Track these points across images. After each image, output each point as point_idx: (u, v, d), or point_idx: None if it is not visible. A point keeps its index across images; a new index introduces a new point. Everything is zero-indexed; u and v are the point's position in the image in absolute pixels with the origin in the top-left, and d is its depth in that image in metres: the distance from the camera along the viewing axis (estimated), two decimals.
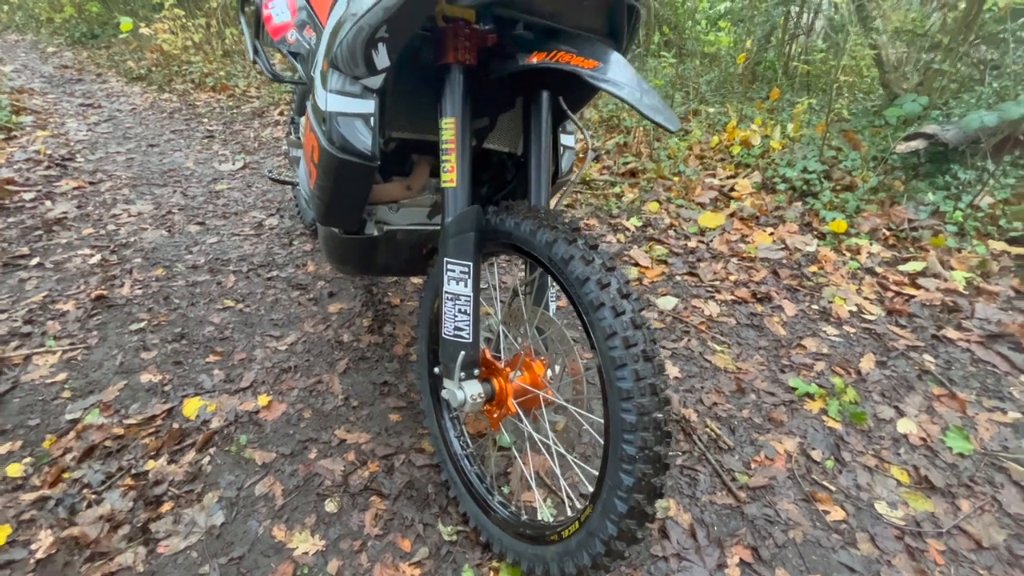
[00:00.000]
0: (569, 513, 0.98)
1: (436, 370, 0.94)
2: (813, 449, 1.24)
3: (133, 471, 1.16)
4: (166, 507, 1.08)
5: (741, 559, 1.00)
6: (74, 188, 2.56)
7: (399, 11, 0.71)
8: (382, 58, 0.79)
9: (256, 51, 1.74)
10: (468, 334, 0.86)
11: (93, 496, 1.10)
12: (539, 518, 0.99)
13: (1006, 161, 2.36)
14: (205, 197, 2.52)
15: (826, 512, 1.10)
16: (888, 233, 2.04)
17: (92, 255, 1.98)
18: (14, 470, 1.15)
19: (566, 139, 1.13)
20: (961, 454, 1.23)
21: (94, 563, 0.98)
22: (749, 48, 3.58)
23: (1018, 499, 1.13)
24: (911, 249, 1.96)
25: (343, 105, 0.85)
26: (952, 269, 1.84)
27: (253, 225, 2.24)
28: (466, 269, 0.85)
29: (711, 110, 3.16)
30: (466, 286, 0.85)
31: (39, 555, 0.99)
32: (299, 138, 1.85)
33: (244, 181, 2.73)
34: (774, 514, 1.09)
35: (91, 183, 2.65)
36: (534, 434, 0.93)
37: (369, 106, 0.85)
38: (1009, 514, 1.10)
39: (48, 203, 2.39)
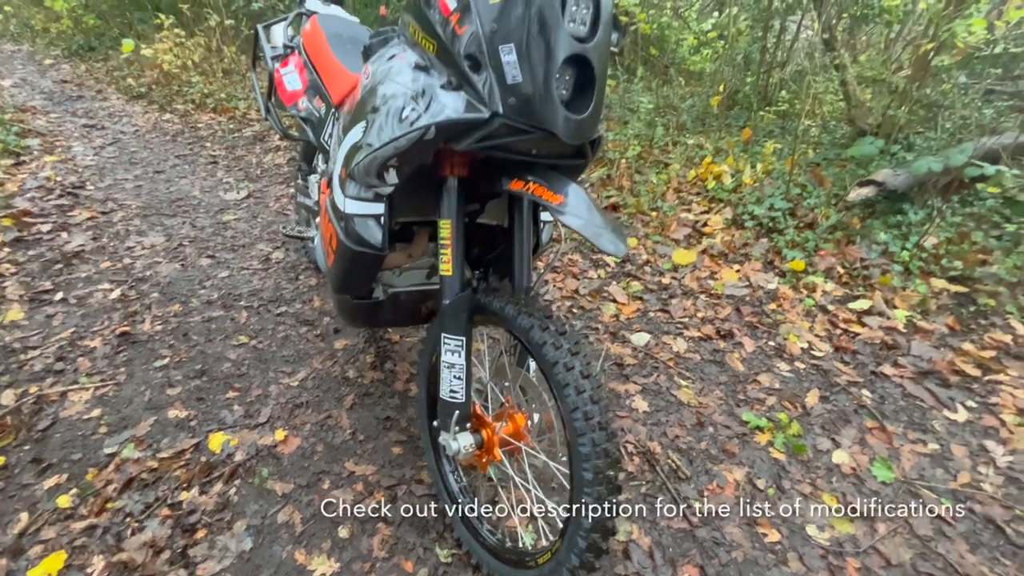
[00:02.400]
0: (544, 544, 1.17)
1: (434, 423, 1.12)
2: (759, 478, 1.44)
3: (169, 501, 1.33)
4: (201, 534, 1.25)
5: None
6: (88, 219, 2.71)
7: (407, 151, 0.90)
8: (391, 177, 0.97)
9: (268, 110, 1.91)
10: (461, 396, 1.05)
11: (136, 524, 1.27)
12: (520, 546, 1.18)
13: (954, 200, 2.58)
14: (213, 228, 2.68)
15: (764, 535, 1.30)
16: (842, 271, 2.25)
17: (112, 290, 2.14)
18: (63, 501, 1.32)
19: (545, 215, 1.31)
20: (884, 482, 1.43)
21: None
22: (727, 78, 3.79)
23: (926, 522, 1.33)
24: (861, 288, 2.17)
25: (358, 208, 1.03)
26: (895, 307, 2.06)
27: (261, 259, 2.41)
28: (460, 343, 1.03)
29: (690, 141, 3.36)
30: (460, 357, 1.04)
31: None
32: (306, 185, 2.02)
33: (249, 211, 2.89)
34: (721, 536, 1.29)
35: (103, 213, 2.79)
36: (515, 476, 1.12)
37: (380, 208, 1.04)
38: (918, 535, 1.30)
39: (64, 235, 2.54)
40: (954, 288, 2.14)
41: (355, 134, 1.02)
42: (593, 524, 0.88)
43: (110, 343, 1.84)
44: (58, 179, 3.11)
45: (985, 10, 3.06)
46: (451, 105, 0.85)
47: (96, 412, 1.57)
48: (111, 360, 1.77)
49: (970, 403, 1.68)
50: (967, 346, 1.88)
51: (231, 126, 4.20)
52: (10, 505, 1.31)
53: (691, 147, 3.28)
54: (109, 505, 1.31)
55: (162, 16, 4.94)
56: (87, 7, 6.67)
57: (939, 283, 2.16)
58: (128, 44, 4.49)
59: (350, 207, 1.03)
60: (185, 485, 1.37)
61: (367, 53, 1.14)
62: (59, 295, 2.09)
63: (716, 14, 5.19)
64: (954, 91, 2.79)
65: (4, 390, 1.62)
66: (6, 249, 2.35)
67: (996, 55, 3.93)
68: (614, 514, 0.88)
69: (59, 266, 2.28)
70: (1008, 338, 1.91)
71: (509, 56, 0.79)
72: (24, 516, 1.28)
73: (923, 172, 2.41)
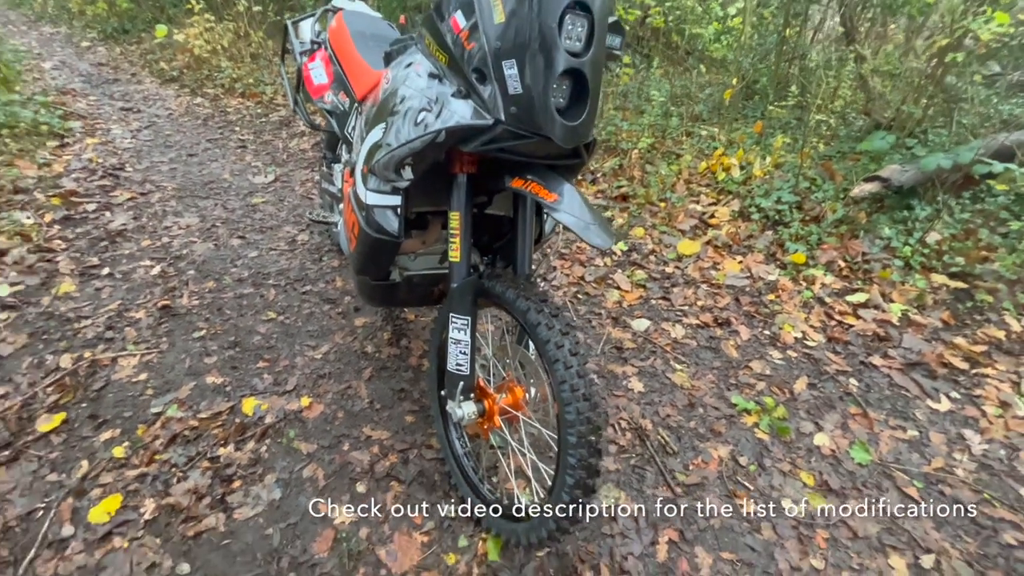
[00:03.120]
0: (536, 500, 1.31)
1: (442, 392, 1.26)
2: (741, 456, 1.55)
3: (208, 455, 1.50)
4: (236, 484, 1.42)
5: (670, 539, 1.33)
6: (128, 199, 2.90)
7: (421, 151, 1.02)
8: (407, 173, 1.09)
9: (296, 102, 2.05)
10: (466, 369, 1.18)
11: (180, 474, 1.45)
12: (516, 503, 1.32)
13: (965, 197, 2.60)
14: (243, 210, 2.85)
15: (742, 506, 1.41)
16: (843, 265, 2.31)
17: (153, 266, 2.32)
18: (118, 452, 1.50)
19: None
20: (860, 464, 1.53)
21: (188, 524, 1.32)
22: (744, 69, 3.79)
23: (896, 499, 1.43)
24: (860, 281, 2.23)
25: (378, 200, 1.16)
26: (892, 301, 2.12)
27: (287, 240, 2.57)
28: (466, 322, 1.16)
29: (704, 132, 3.40)
30: (465, 334, 1.16)
31: (146, 517, 1.34)
32: (330, 173, 2.16)
33: (276, 195, 3.05)
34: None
35: (142, 194, 2.98)
36: (513, 443, 1.25)
37: (397, 200, 1.16)
38: (887, 513, 1.41)
39: (108, 214, 2.73)
40: (954, 284, 2.19)
41: (376, 134, 1.14)
42: (576, 482, 1.00)
43: (153, 315, 2.02)
44: (100, 161, 3.31)
45: (1009, 2, 3.02)
46: (460, 112, 0.97)
47: (143, 376, 1.75)
48: (154, 330, 1.95)
49: (954, 394, 1.76)
50: (959, 340, 1.94)
51: (258, 111, 4.36)
52: (72, 454, 1.50)
53: (704, 138, 3.32)
54: (157, 457, 1.49)
55: (192, 1, 5.09)
56: None
57: (939, 279, 2.21)
58: (162, 29, 4.66)
59: (371, 199, 1.16)
60: (222, 442, 1.54)
61: (388, 59, 1.25)
62: (106, 270, 2.28)
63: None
64: (971, 87, 2.77)
65: (63, 355, 1.81)
66: (56, 227, 2.55)
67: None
68: (594, 474, 1.01)
69: (104, 243, 2.47)
70: (1001, 334, 1.97)
71: (511, 70, 0.90)
72: (85, 463, 1.47)
73: (932, 169, 2.43)
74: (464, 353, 1.17)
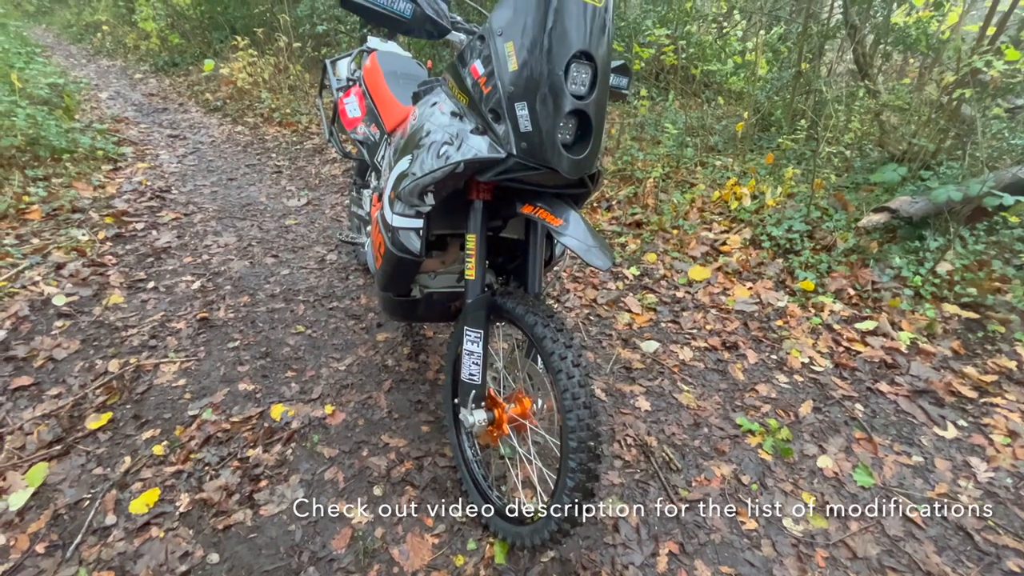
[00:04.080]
0: (540, 505, 1.38)
1: (456, 401, 1.35)
2: (744, 475, 1.59)
3: (239, 456, 1.62)
4: (263, 483, 1.53)
5: (670, 551, 1.38)
6: (173, 219, 3.12)
7: (442, 180, 1.14)
8: (430, 199, 1.22)
9: (331, 133, 2.23)
10: (478, 379, 1.27)
11: (213, 472, 1.56)
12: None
13: (979, 228, 2.62)
14: (277, 231, 3.04)
15: (743, 522, 1.45)
16: (853, 293, 2.35)
17: (193, 281, 2.50)
18: (158, 450, 1.63)
19: None
20: (863, 486, 1.56)
21: (218, 518, 1.43)
22: (760, 102, 3.90)
23: (898, 524, 1.45)
24: (869, 309, 2.27)
25: (403, 223, 1.28)
26: (901, 329, 2.15)
27: (317, 260, 2.73)
28: (479, 335, 1.26)
29: (718, 163, 3.50)
30: (478, 346, 1.27)
31: (181, 510, 1.45)
32: (359, 198, 2.32)
33: (308, 217, 3.24)
34: (702, 521, 1.46)
35: (185, 214, 3.21)
36: (520, 451, 1.34)
37: (420, 223, 1.28)
38: (888, 535, 1.43)
39: (154, 232, 2.95)
40: (965, 314, 2.21)
41: (403, 164, 1.27)
42: (576, 484, 1.08)
43: (192, 326, 2.18)
44: (148, 183, 3.57)
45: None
46: (477, 146, 1.09)
47: (182, 381, 1.89)
48: (193, 340, 2.10)
49: (961, 422, 1.77)
50: (968, 369, 1.95)
51: (294, 138, 4.64)
52: (117, 450, 1.63)
53: (718, 168, 3.41)
54: (192, 455, 1.61)
55: (238, 39, 5.48)
56: (172, 27, 7.43)
57: (950, 308, 2.23)
58: (209, 64, 5.03)
59: (396, 221, 1.28)
60: (252, 444, 1.65)
61: (416, 98, 1.40)
62: (151, 284, 2.47)
63: (762, 32, 5.27)
64: (983, 120, 2.82)
65: (111, 360, 1.97)
66: (108, 243, 2.77)
67: None
68: (594, 478, 1.09)
69: (151, 259, 2.67)
70: (1012, 364, 1.97)
71: (523, 111, 1.02)
72: (127, 459, 1.60)
73: (942, 200, 2.47)
74: (477, 364, 1.27)
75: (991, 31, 3.08)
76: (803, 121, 3.29)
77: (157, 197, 3.40)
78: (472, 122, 1.13)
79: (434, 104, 1.26)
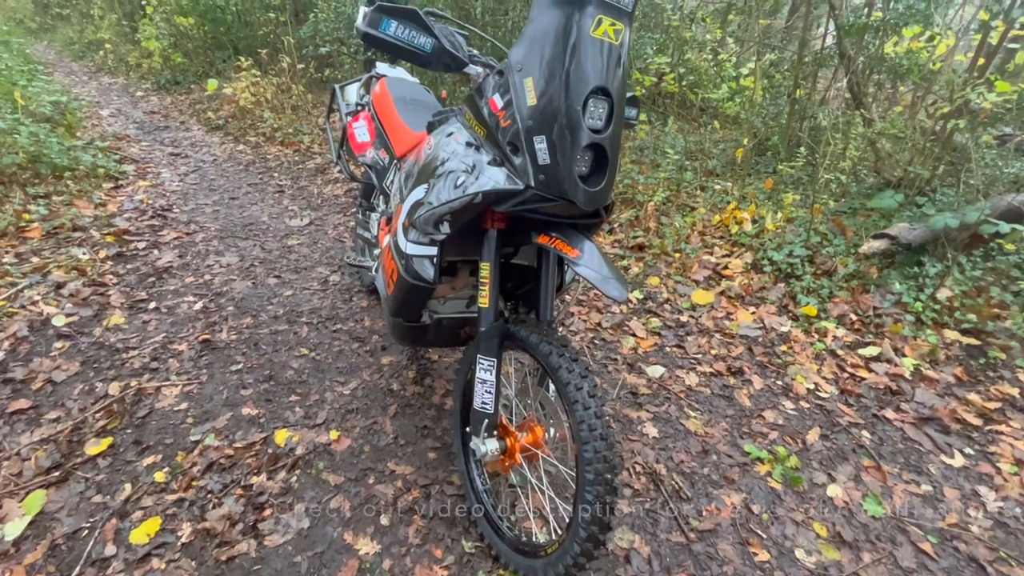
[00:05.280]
0: (553, 537, 1.36)
1: (467, 429, 1.34)
2: (754, 504, 1.58)
3: (242, 483, 1.59)
4: (267, 512, 1.50)
5: None
6: (175, 238, 3.11)
7: (459, 210, 1.15)
8: (445, 228, 1.23)
9: (339, 156, 2.24)
10: (491, 407, 1.27)
11: (216, 500, 1.53)
12: (535, 540, 1.37)
13: (976, 255, 2.66)
14: (280, 251, 3.03)
15: (755, 554, 1.44)
16: (855, 318, 2.36)
17: (196, 302, 2.48)
18: (159, 477, 1.60)
19: None
20: (874, 516, 1.55)
21: (221, 548, 1.40)
22: (757, 128, 3.97)
23: (911, 555, 1.44)
24: (871, 335, 2.28)
25: (417, 250, 1.29)
26: (904, 355, 2.16)
27: (320, 281, 2.73)
28: (492, 363, 1.26)
29: (717, 187, 3.55)
30: (491, 375, 1.26)
31: (183, 540, 1.42)
32: (366, 220, 2.33)
33: (311, 237, 3.24)
34: (714, 552, 1.44)
35: (187, 233, 3.20)
36: (532, 480, 1.32)
37: (434, 251, 1.29)
38: (901, 567, 1.42)
39: (156, 252, 2.94)
40: (966, 340, 2.23)
41: (418, 193, 1.28)
42: (592, 518, 1.07)
43: (194, 348, 2.16)
44: (150, 202, 3.57)
45: (1013, 69, 3.17)
46: (495, 178, 1.10)
47: (184, 405, 1.87)
48: (195, 362, 2.08)
49: (968, 450, 1.77)
50: (972, 396, 1.97)
51: (296, 158, 4.66)
52: (117, 477, 1.60)
53: (718, 192, 3.46)
54: (194, 483, 1.58)
55: (242, 59, 5.54)
56: (175, 46, 7.50)
57: (951, 334, 2.25)
58: (213, 83, 5.07)
59: (410, 249, 1.29)
60: (256, 471, 1.62)
61: (431, 127, 1.42)
62: (153, 304, 2.45)
63: (755, 58, 5.39)
64: (976, 148, 2.89)
65: (111, 383, 1.94)
66: (109, 263, 2.76)
67: None
68: (610, 511, 1.07)
69: (152, 279, 2.65)
70: (1015, 391, 1.99)
71: (541, 144, 1.04)
72: (128, 487, 1.56)
73: (940, 227, 2.51)
74: (489, 392, 1.26)
75: (981, 62, 3.18)
76: (802, 148, 3.35)
77: (158, 216, 3.39)
78: (489, 153, 1.14)
79: (450, 134, 1.27)
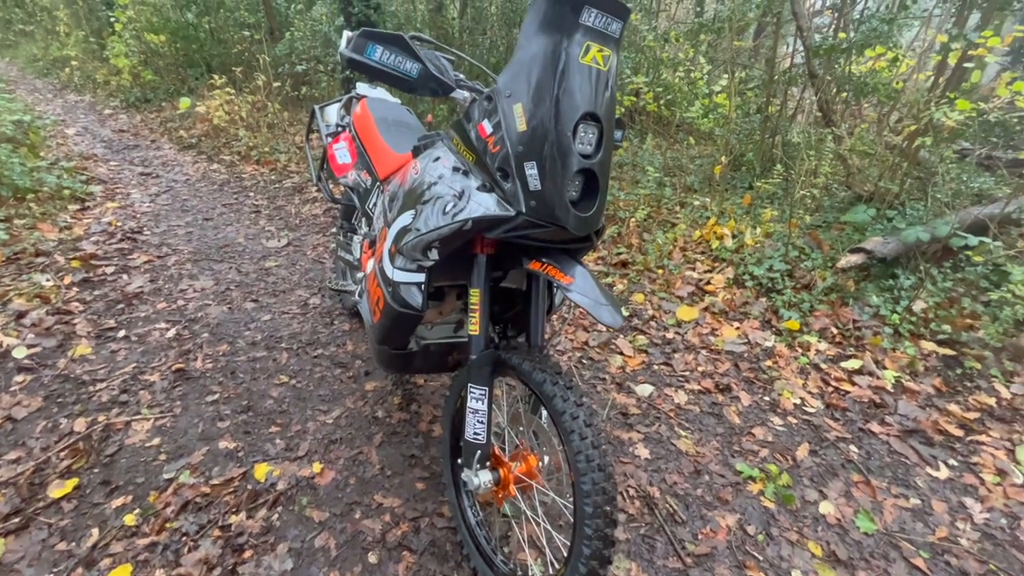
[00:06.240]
0: (550, 571, 1.32)
1: (459, 461, 1.30)
2: (749, 525, 1.57)
3: (220, 523, 1.50)
4: (248, 554, 1.42)
5: None
6: (145, 262, 3.00)
7: (448, 237, 1.13)
8: (434, 254, 1.20)
9: (319, 178, 2.20)
10: (483, 438, 1.23)
11: (191, 543, 1.45)
12: (530, 574, 1.32)
13: (946, 266, 2.75)
14: (257, 274, 2.95)
15: None
16: (836, 332, 2.40)
17: (168, 329, 2.38)
18: (129, 519, 1.51)
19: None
20: (866, 533, 1.55)
21: None
22: (732, 145, 4.06)
23: (904, 571, 1.44)
24: (853, 348, 2.32)
25: (405, 277, 1.25)
26: (884, 368, 2.20)
27: (299, 304, 2.65)
28: (484, 392, 1.23)
29: (696, 203, 3.60)
30: (483, 404, 1.22)
31: None
32: (347, 243, 2.28)
33: (289, 259, 3.16)
34: None
35: (158, 257, 3.09)
36: (527, 512, 1.28)
37: (421, 277, 1.26)
38: None
39: (125, 276, 2.82)
40: (942, 351, 2.28)
41: (405, 219, 1.25)
42: (592, 552, 1.04)
43: (167, 378, 2.06)
44: (119, 224, 3.44)
45: (983, 80, 3.32)
46: (485, 204, 1.08)
47: (156, 441, 1.77)
48: (168, 394, 1.99)
49: (952, 462, 1.80)
50: (952, 407, 2.00)
51: (272, 177, 4.58)
52: (83, 521, 1.50)
53: (697, 208, 3.51)
54: (168, 524, 1.49)
55: (215, 77, 5.45)
56: (146, 63, 7.35)
57: (928, 345, 2.30)
58: (185, 102, 4.97)
59: (397, 276, 1.25)
60: (234, 510, 1.54)
61: (416, 151, 1.39)
62: (122, 332, 2.34)
63: (726, 76, 5.55)
64: (942, 164, 3.00)
65: (77, 418, 1.84)
66: (75, 289, 2.64)
67: (992, 123, 4.17)
68: (610, 544, 1.04)
69: (121, 306, 2.54)
70: (992, 400, 2.03)
71: (532, 170, 1.02)
72: (95, 532, 1.47)
73: (912, 241, 2.59)
74: (481, 423, 1.22)
75: (941, 80, 3.32)
76: (779, 166, 3.43)
77: (128, 239, 3.27)
78: (478, 179, 1.12)
79: (437, 158, 1.25)
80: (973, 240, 2.41)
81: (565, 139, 1.00)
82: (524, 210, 1.05)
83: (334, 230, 3.55)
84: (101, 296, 2.61)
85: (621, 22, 1.02)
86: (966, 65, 3.17)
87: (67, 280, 2.68)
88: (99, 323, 2.39)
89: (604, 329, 2.49)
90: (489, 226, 1.09)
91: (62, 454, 1.70)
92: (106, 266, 2.88)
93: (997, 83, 3.27)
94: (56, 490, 1.58)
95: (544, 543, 1.32)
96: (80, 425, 1.81)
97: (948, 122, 2.53)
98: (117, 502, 1.56)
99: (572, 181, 1.05)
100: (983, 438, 1.88)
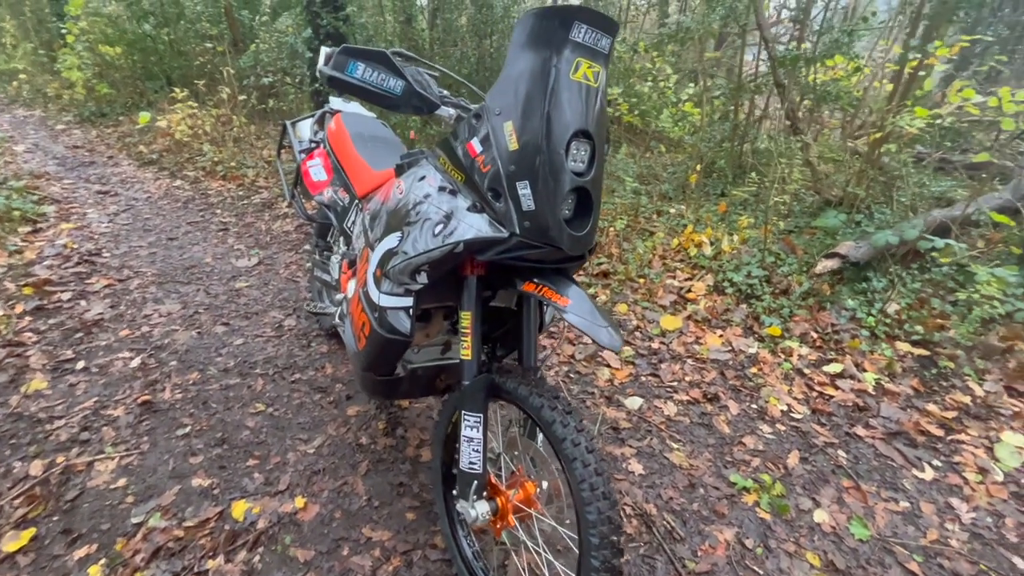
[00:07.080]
0: None
1: (453, 491, 1.24)
2: (747, 538, 1.56)
3: (196, 570, 1.40)
4: None
5: None
6: (105, 286, 2.84)
7: (438, 260, 1.08)
8: (422, 278, 1.15)
9: (293, 196, 2.12)
10: (479, 467, 1.18)
11: None
12: None
13: (914, 268, 2.84)
14: (227, 296, 2.82)
15: None
16: (816, 336, 2.44)
17: (132, 358, 2.25)
18: (94, 572, 1.39)
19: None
20: (861, 540, 1.56)
21: None
22: (703, 152, 4.14)
23: None
24: (833, 352, 2.36)
25: (391, 302, 1.20)
26: (864, 370, 2.24)
27: (273, 326, 2.55)
28: (478, 419, 1.18)
29: (672, 211, 3.64)
30: (478, 431, 1.17)
31: None
32: (323, 262, 2.20)
33: (261, 278, 3.04)
34: None
35: (120, 280, 2.93)
36: (526, 541, 1.23)
37: (409, 301, 1.20)
38: None
39: (83, 303, 2.66)
40: (917, 351, 2.34)
41: (391, 241, 1.20)
42: None
43: (133, 412, 1.94)
44: (75, 246, 3.25)
45: (933, 87, 3.47)
46: (477, 225, 1.04)
47: (122, 481, 1.65)
48: (134, 429, 1.86)
49: (935, 462, 1.84)
50: (931, 407, 2.05)
51: (240, 193, 4.43)
52: None
53: (673, 216, 3.55)
54: (138, 574, 1.38)
55: (176, 90, 5.26)
56: (101, 76, 7.05)
57: (904, 346, 2.36)
58: (145, 116, 4.77)
59: (384, 300, 1.20)
60: (211, 553, 1.44)
61: (400, 169, 1.34)
62: (81, 364, 2.19)
63: (692, 84, 5.66)
64: (905, 168, 3.11)
65: (32, 460, 1.70)
66: (28, 318, 2.46)
67: (946, 128, 4.37)
68: (617, 574, 1.00)
69: (79, 335, 2.39)
70: (967, 399, 2.09)
71: (525, 190, 0.99)
72: None
73: (882, 244, 2.67)
74: (477, 451, 1.17)
75: (890, 87, 3.46)
76: (753, 174, 3.50)
77: (86, 261, 3.09)
78: (467, 199, 1.08)
79: (422, 177, 1.20)
80: (940, 242, 2.49)
81: (558, 157, 0.97)
82: (518, 231, 1.01)
83: (308, 247, 3.44)
84: (57, 325, 2.45)
85: (610, 38, 1.00)
86: (920, 73, 3.31)
87: (18, 309, 2.50)
88: (55, 355, 2.23)
89: (589, 342, 2.47)
90: (481, 248, 1.05)
91: (16, 502, 1.56)
92: (62, 292, 2.71)
93: (949, 90, 3.42)
94: (10, 543, 1.44)
95: (545, 572, 1.27)
96: (36, 468, 1.67)
97: (911, 129, 2.62)
98: (80, 552, 1.44)
99: (565, 200, 1.02)
100: (962, 436, 1.93)
